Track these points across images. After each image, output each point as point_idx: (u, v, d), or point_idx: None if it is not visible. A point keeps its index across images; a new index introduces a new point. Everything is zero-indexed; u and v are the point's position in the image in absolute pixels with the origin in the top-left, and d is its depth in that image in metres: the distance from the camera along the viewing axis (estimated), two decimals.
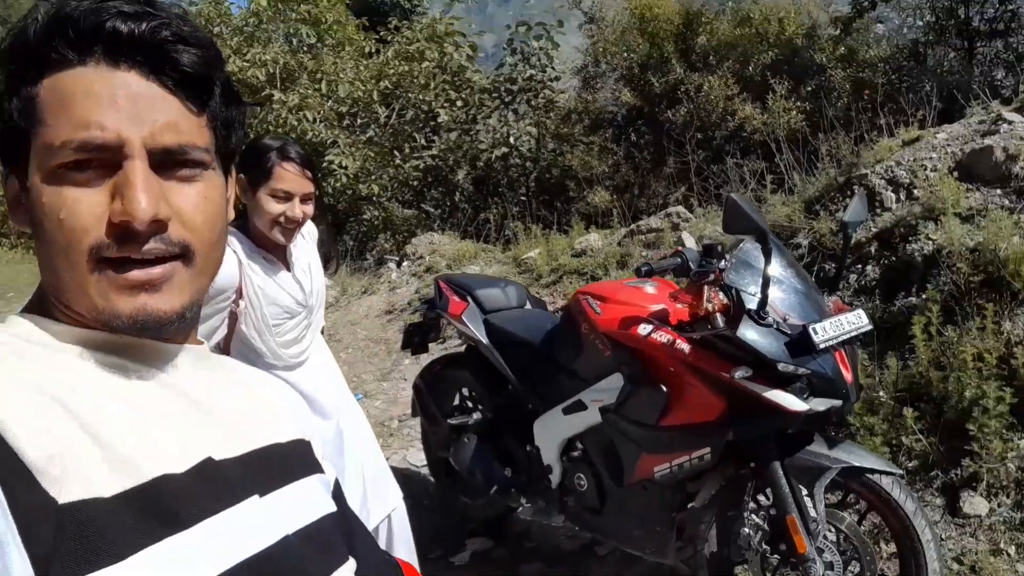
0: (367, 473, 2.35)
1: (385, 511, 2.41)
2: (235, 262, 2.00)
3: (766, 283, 2.08)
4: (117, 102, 0.62)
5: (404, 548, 2.50)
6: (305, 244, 2.27)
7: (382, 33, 9.97)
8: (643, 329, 2.32)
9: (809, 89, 6.90)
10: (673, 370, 2.27)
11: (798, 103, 6.33)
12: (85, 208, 0.60)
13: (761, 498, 2.37)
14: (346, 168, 8.49)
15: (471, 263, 5.75)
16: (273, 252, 2.09)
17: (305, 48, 9.69)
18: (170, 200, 0.63)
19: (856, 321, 2.18)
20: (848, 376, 2.15)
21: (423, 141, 8.84)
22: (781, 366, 2.06)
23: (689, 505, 2.44)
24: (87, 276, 0.61)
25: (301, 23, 9.29)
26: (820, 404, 2.13)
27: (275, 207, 1.97)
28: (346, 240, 9.01)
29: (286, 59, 8.85)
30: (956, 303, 2.89)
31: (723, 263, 2.25)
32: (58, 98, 0.61)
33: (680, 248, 2.33)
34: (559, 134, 8.19)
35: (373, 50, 10.14)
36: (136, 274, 0.62)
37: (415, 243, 6.41)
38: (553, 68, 8.40)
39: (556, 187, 7.92)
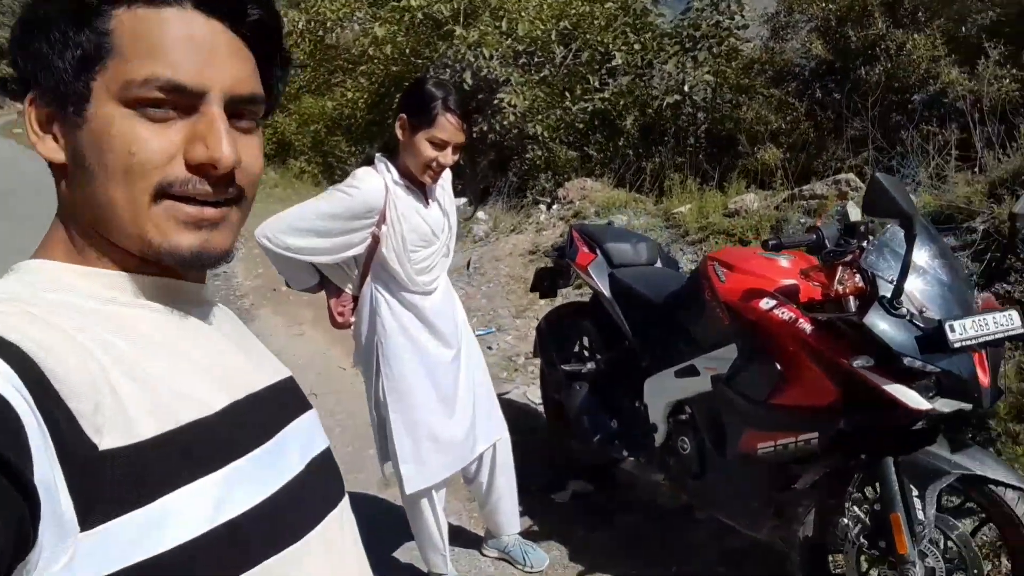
0: (478, 403, 2.50)
1: (491, 440, 2.57)
2: (383, 187, 2.17)
3: (905, 271, 1.93)
4: (202, 48, 0.63)
5: (505, 477, 2.65)
6: (444, 185, 2.40)
7: None
8: (765, 303, 2.24)
9: None
10: (791, 349, 2.18)
11: (1014, 71, 5.60)
12: (157, 145, 0.62)
13: (868, 491, 2.26)
14: (515, 107, 8.57)
15: (620, 212, 5.68)
16: (416, 185, 2.25)
17: None
18: (237, 149, 0.66)
19: (1006, 322, 1.98)
20: (984, 380, 1.97)
21: (596, 83, 8.70)
22: (907, 360, 1.92)
23: (792, 486, 2.36)
24: (145, 209, 0.63)
25: None
26: (946, 405, 1.98)
27: (431, 152, 2.13)
28: (510, 176, 9.15)
29: None
30: None
31: (864, 245, 2.11)
32: (143, 34, 0.62)
33: (819, 224, 2.19)
34: (739, 85, 7.78)
35: None
36: (198, 210, 0.64)
37: (567, 187, 6.41)
38: (743, 15, 7.94)
39: (726, 141, 7.56)
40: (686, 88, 7.60)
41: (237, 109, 0.66)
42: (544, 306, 4.42)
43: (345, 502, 0.78)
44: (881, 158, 5.27)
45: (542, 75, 9.24)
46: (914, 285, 2.00)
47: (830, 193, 4.52)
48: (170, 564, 0.56)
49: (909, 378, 1.95)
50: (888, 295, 1.94)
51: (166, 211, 0.63)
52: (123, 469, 0.55)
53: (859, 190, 4.54)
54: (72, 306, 0.61)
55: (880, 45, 6.33)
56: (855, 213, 4.20)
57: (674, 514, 3.04)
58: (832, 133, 6.84)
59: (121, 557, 0.53)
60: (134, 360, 0.60)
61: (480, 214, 8.10)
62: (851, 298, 2.07)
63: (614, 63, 8.20)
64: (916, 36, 6.05)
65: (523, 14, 9.02)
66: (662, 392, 2.73)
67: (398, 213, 2.18)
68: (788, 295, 2.25)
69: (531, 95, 8.73)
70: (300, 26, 10.00)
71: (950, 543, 2.08)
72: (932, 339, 1.91)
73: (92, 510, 0.52)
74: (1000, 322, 1.98)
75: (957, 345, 1.88)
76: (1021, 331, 2.01)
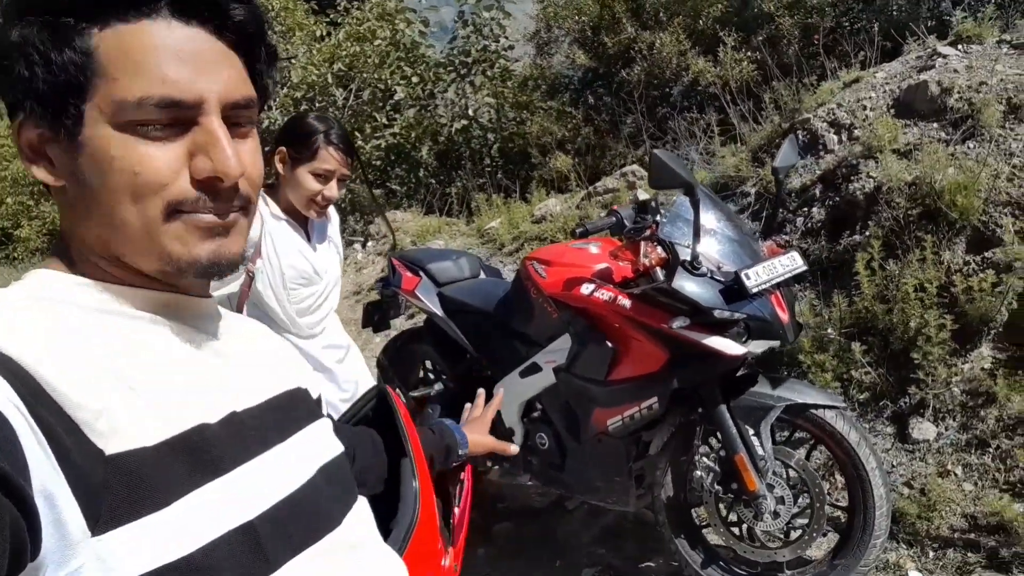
0: None
1: None
2: (258, 220, 2.06)
3: (696, 234, 2.12)
4: (189, 58, 0.62)
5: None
6: (329, 223, 2.34)
7: (332, 16, 9.84)
8: (585, 288, 2.37)
9: (761, 39, 6.91)
10: (617, 326, 2.33)
11: (748, 54, 6.34)
12: (162, 163, 0.61)
13: (713, 441, 2.45)
14: None
15: (435, 238, 5.76)
16: (296, 220, 2.17)
17: None
18: (239, 156, 0.65)
19: (790, 263, 2.24)
20: (784, 317, 2.21)
21: (384, 120, 8.78)
22: (717, 313, 2.11)
23: (646, 454, 2.50)
24: (160, 227, 0.63)
25: None
26: (759, 346, 2.20)
27: (314, 185, 2.07)
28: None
29: None
30: (897, 238, 2.95)
31: (658, 218, 2.30)
32: (125, 51, 0.60)
33: (615, 207, 2.36)
34: (518, 102, 8.17)
35: (325, 33, 10.01)
36: (214, 219, 0.64)
37: (378, 222, 6.41)
38: (506, 37, 8.34)
39: (519, 156, 7.90)
40: (470, 112, 7.86)
41: (233, 115, 0.65)
42: (383, 342, 4.38)
43: (362, 504, 0.79)
44: (656, 146, 5.74)
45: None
46: (708, 246, 2.21)
47: (621, 185, 4.85)
48: (187, 569, 0.55)
49: (722, 329, 2.15)
50: (688, 258, 2.13)
51: (184, 224, 0.63)
52: (132, 474, 0.54)
53: (644, 178, 4.92)
54: (74, 316, 0.60)
55: (633, 47, 6.91)
56: (645, 197, 4.55)
57: (547, 511, 3.11)
58: (610, 133, 7.34)
59: (136, 563, 0.53)
60: (134, 369, 0.60)
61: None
62: (658, 269, 2.23)
63: (396, 97, 8.31)
64: (662, 35, 6.66)
65: (293, 61, 8.92)
66: (511, 395, 2.78)
67: (275, 248, 2.11)
68: (604, 278, 2.39)
69: None
70: None
71: (791, 471, 2.30)
72: (733, 290, 2.11)
73: (100, 516, 0.52)
74: (786, 264, 2.23)
75: (755, 290, 2.09)
76: (804, 268, 2.28)
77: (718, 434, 2.31)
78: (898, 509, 2.45)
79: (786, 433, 2.46)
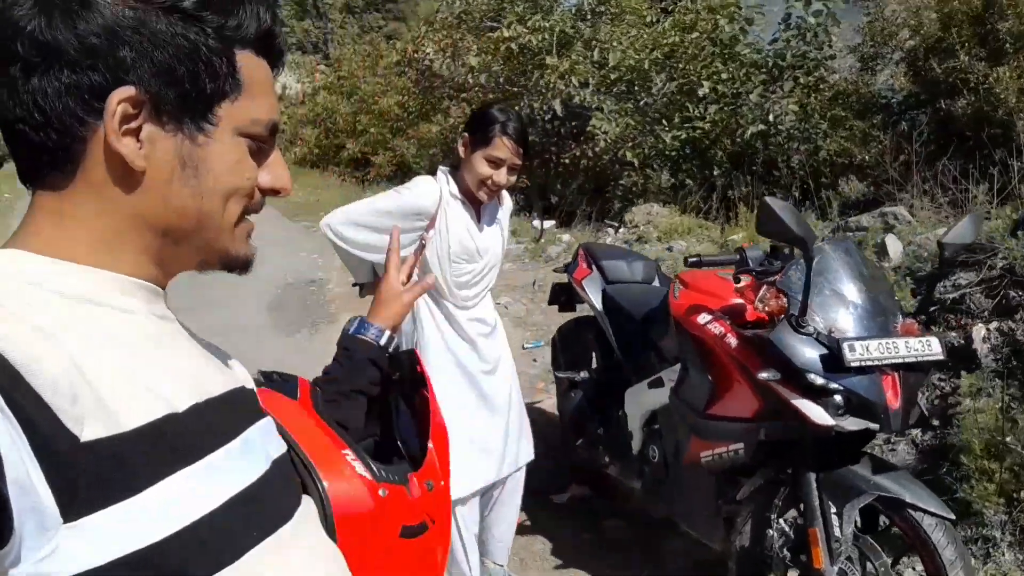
0: (511, 427, 2.54)
1: (522, 461, 2.62)
2: (437, 194, 2.30)
3: (807, 291, 2.05)
4: (275, 92, 0.75)
5: (511, 506, 2.68)
6: (500, 208, 2.54)
7: (664, 2, 10.00)
8: (702, 318, 2.39)
9: None
10: (720, 362, 2.33)
11: None
12: (255, 174, 0.72)
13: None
14: (607, 133, 8.81)
15: (682, 238, 5.80)
16: (471, 202, 2.38)
17: (588, 16, 10.06)
18: None
19: (920, 348, 2.06)
20: (894, 403, 2.04)
21: (698, 112, 8.80)
22: (810, 376, 2.04)
23: (735, 497, 2.47)
24: (233, 226, 0.72)
25: None
26: (852, 424, 2.06)
27: (486, 170, 2.27)
28: (607, 199, 9.35)
29: (563, 26, 9.30)
30: None
31: (787, 266, 2.24)
32: (254, 77, 0.70)
33: (745, 245, 2.32)
34: (824, 115, 7.66)
35: (655, 19, 10.20)
36: (252, 224, 0.76)
37: (634, 211, 6.56)
38: (830, 46, 7.82)
39: (813, 171, 7.45)
40: (770, 117, 7.57)
41: None
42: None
43: (308, 501, 0.83)
44: (927, 187, 5.11)
45: (641, 103, 9.44)
46: (827, 305, 2.11)
47: (876, 224, 4.47)
48: (160, 554, 0.57)
49: (817, 394, 2.06)
50: (795, 313, 2.07)
51: (244, 227, 0.74)
52: (106, 460, 0.56)
53: (909, 223, 4.48)
54: (52, 302, 0.61)
55: (964, 77, 6.12)
56: (894, 247, 4.18)
57: (659, 523, 3.16)
58: (922, 165, 6.63)
59: (108, 549, 0.54)
60: (110, 355, 0.61)
61: (565, 235, 8.37)
62: (775, 316, 2.20)
63: (700, 92, 8.27)
64: (999, 68, 5.82)
65: (615, 44, 9.26)
66: (638, 403, 2.90)
67: (447, 223, 2.29)
68: (735, 313, 2.39)
69: (622, 123, 8.95)
70: (407, 56, 10.71)
71: (870, 565, 2.14)
72: (833, 357, 2.01)
73: (74, 501, 0.53)
74: (914, 347, 2.05)
75: (855, 364, 1.98)
76: (938, 357, 2.08)
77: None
78: None
79: (885, 524, 2.26)
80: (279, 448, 0.80)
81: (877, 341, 2.02)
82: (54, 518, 0.52)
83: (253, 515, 0.68)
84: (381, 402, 1.22)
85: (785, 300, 2.18)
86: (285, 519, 0.73)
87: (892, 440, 3.02)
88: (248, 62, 0.69)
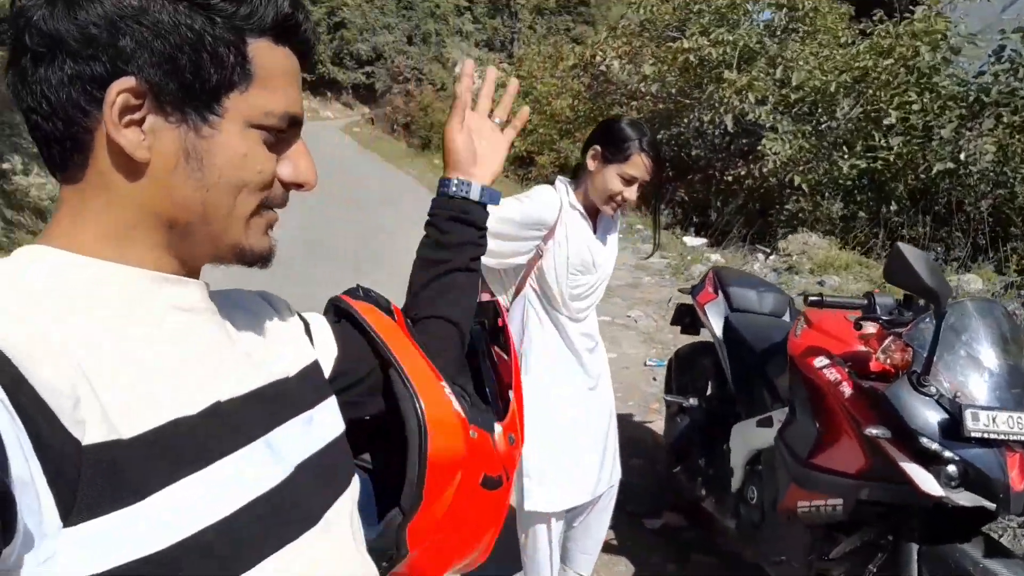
0: (608, 446, 2.52)
1: (613, 481, 2.59)
2: (557, 204, 2.26)
3: (933, 349, 1.88)
4: (296, 80, 0.71)
5: (601, 523, 2.66)
6: (614, 223, 2.51)
7: (863, 24, 9.40)
8: (819, 362, 2.26)
9: None
10: (833, 411, 2.19)
11: None
12: (272, 167, 0.69)
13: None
14: (777, 154, 8.45)
15: (837, 273, 5.44)
16: (589, 215, 2.34)
17: (777, 32, 9.67)
18: None
19: None
20: (1018, 483, 1.83)
21: (883, 142, 8.24)
22: (924, 440, 1.87)
23: (830, 554, 2.32)
24: (249, 219, 0.70)
25: (775, 7, 9.30)
26: (966, 499, 1.87)
27: (617, 185, 2.22)
28: (768, 222, 8.98)
29: (748, 41, 8.99)
30: None
31: (918, 319, 2.06)
32: (274, 68, 0.67)
33: (875, 291, 2.15)
34: None
35: (850, 40, 9.63)
36: (276, 216, 0.74)
37: (789, 239, 6.23)
38: None
39: (1003, 220, 6.75)
40: (962, 156, 6.93)
41: None
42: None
43: (349, 494, 0.79)
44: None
45: (820, 127, 8.97)
46: (954, 366, 1.93)
47: None
48: (165, 563, 0.55)
49: (929, 460, 1.89)
50: (917, 371, 1.90)
51: (262, 219, 0.71)
52: (108, 465, 0.54)
53: None
54: (61, 300, 0.60)
55: None
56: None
57: (748, 567, 3.01)
58: None
59: (110, 556, 0.53)
60: (117, 357, 0.60)
61: (715, 255, 8.12)
62: (898, 371, 2.04)
63: (886, 122, 7.72)
64: None
65: (801, 63, 8.84)
66: (744, 439, 2.78)
67: (566, 233, 2.26)
68: (857, 361, 2.24)
69: (796, 144, 8.55)
70: (584, 60, 10.79)
71: None
72: (953, 423, 1.84)
73: (75, 506, 0.52)
74: None
75: (975, 435, 1.80)
76: None
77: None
78: None
79: None
80: (315, 444, 0.76)
81: (1008, 414, 1.82)
82: (53, 521, 0.51)
83: (272, 521, 0.65)
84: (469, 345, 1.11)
85: (910, 355, 2.01)
86: (311, 523, 0.70)
87: (1020, 531, 2.69)
88: (263, 51, 0.67)
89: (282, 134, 0.70)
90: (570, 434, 2.35)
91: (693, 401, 3.22)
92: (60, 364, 0.55)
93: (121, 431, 0.56)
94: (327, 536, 0.72)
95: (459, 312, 1.06)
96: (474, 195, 1.06)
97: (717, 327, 3.08)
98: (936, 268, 1.84)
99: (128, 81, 0.61)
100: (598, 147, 2.25)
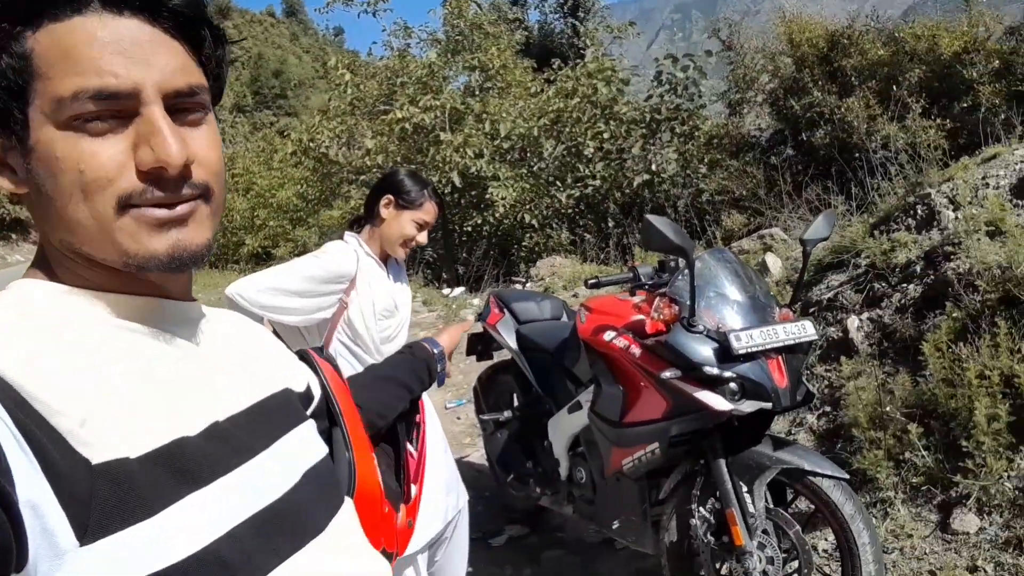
0: (443, 473, 2.58)
1: (461, 503, 2.65)
2: (355, 256, 2.36)
3: (692, 295, 2.30)
4: (125, 49, 0.61)
5: (461, 551, 2.72)
6: (400, 267, 2.63)
7: (546, 73, 10.66)
8: (608, 335, 2.61)
9: (964, 106, 6.51)
10: (629, 372, 2.54)
11: (938, 120, 6.02)
12: (105, 158, 0.60)
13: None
14: (504, 199, 9.21)
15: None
16: (380, 261, 2.46)
17: (476, 92, 10.60)
18: (187, 144, 0.64)
19: (797, 331, 2.33)
20: (781, 382, 2.29)
21: (588, 171, 9.32)
22: (707, 369, 2.26)
23: (659, 497, 2.65)
24: (113, 223, 0.61)
25: (469, 70, 10.22)
26: (748, 406, 2.29)
27: (412, 230, 2.38)
28: (512, 261, 9.67)
29: (454, 103, 9.77)
30: (974, 322, 2.81)
31: (674, 276, 2.49)
32: (61, 50, 0.60)
33: (635, 264, 2.58)
34: (702, 159, 8.32)
35: (539, 89, 10.83)
36: (165, 212, 0.63)
37: (539, 265, 6.89)
38: (700, 96, 8.55)
39: (698, 211, 8.03)
40: (653, 167, 8.15)
41: (179, 103, 0.64)
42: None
43: (348, 506, 0.80)
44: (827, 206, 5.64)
45: (535, 168, 9.93)
46: (713, 305, 2.37)
47: (756, 247, 4.88)
48: (183, 575, 0.56)
49: (713, 384, 2.29)
50: (686, 316, 2.31)
51: (135, 220, 0.62)
52: (119, 483, 0.55)
53: (784, 241, 4.90)
54: (58, 327, 0.60)
55: (817, 110, 6.82)
56: (773, 263, 4.57)
57: (595, 546, 3.30)
58: (791, 195, 7.25)
59: (124, 572, 0.53)
60: (118, 378, 0.60)
61: (475, 300, 8.59)
62: (670, 324, 2.43)
63: (584, 152, 8.82)
64: (849, 100, 6.52)
65: (504, 115, 9.78)
66: (561, 429, 3.06)
67: (368, 281, 2.36)
68: (637, 328, 2.62)
69: (518, 187, 9.38)
70: (302, 146, 10.95)
71: (785, 537, 2.35)
72: (723, 349, 2.26)
73: (88, 524, 0.52)
74: (791, 331, 2.32)
75: (742, 351, 2.22)
76: (812, 337, 2.36)
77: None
78: None
79: (795, 500, 2.49)
80: (317, 454, 0.78)
81: (759, 330, 2.28)
82: (69, 541, 0.51)
83: (280, 531, 0.66)
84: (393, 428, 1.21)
85: (677, 307, 2.43)
86: (317, 531, 0.71)
87: (792, 431, 3.29)
88: (49, 36, 0.61)
89: (115, 115, 0.61)
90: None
91: (507, 413, 3.47)
92: (66, 387, 0.55)
93: (130, 451, 0.57)
94: (334, 542, 0.73)
95: (390, 396, 1.18)
96: (437, 351, 1.27)
97: (511, 341, 3.37)
98: (679, 228, 2.26)
99: None
100: (391, 196, 2.41)
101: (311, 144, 10.71)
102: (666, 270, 2.54)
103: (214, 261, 17.62)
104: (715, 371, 2.26)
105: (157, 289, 0.68)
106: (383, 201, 2.42)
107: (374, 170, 10.35)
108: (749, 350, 2.23)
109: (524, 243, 9.85)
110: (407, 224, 2.40)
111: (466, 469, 4.44)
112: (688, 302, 2.33)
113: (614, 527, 2.83)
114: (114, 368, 0.60)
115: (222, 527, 0.61)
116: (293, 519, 0.68)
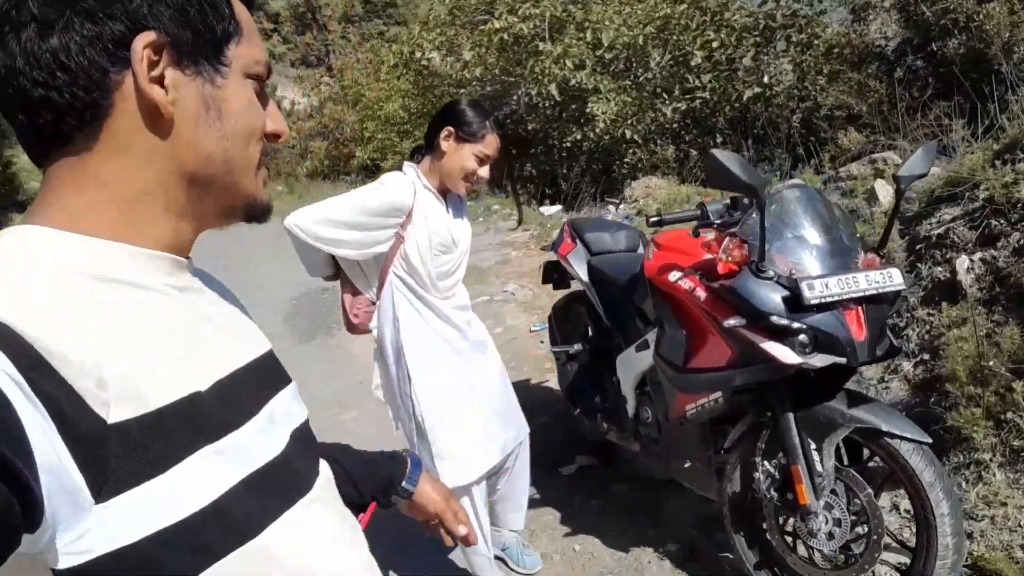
0: (509, 405, 2.63)
1: (520, 437, 2.69)
2: (412, 189, 2.29)
3: (762, 238, 2.10)
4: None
5: (522, 477, 2.78)
6: (462, 201, 2.54)
7: None
8: (673, 275, 2.45)
9: None
10: (693, 316, 2.39)
11: None
12: (264, 115, 0.73)
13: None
14: (605, 113, 8.83)
15: (682, 206, 5.82)
16: (440, 195, 2.38)
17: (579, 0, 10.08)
18: None
19: (881, 280, 2.10)
20: (859, 334, 2.08)
21: (698, 82, 8.78)
22: (774, 318, 2.08)
23: (723, 446, 2.53)
24: (255, 169, 0.72)
25: None
26: (820, 360, 2.10)
27: (473, 164, 2.29)
28: (613, 179, 9.39)
29: (553, 11, 9.33)
30: None
31: (744, 215, 2.28)
32: (246, 19, 0.72)
33: (705, 201, 2.37)
34: (820, 71, 7.62)
35: None
36: (266, 172, 0.75)
37: (634, 186, 6.60)
38: (820, 0, 7.77)
39: (812, 128, 7.42)
40: (765, 79, 7.55)
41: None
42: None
43: (324, 466, 0.82)
44: (910, 137, 5.07)
45: (638, 80, 9.44)
46: (784, 248, 2.16)
47: (867, 172, 4.47)
48: (188, 530, 0.58)
49: (783, 335, 2.10)
50: (755, 259, 2.12)
51: (263, 171, 0.74)
52: (134, 441, 0.56)
53: (897, 165, 4.46)
54: (74, 282, 0.60)
55: (952, 17, 6.06)
56: (883, 191, 4.17)
57: (662, 484, 3.23)
58: (918, 111, 6.57)
59: (140, 527, 0.55)
60: (133, 337, 0.61)
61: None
62: (741, 266, 2.25)
63: (693, 63, 8.26)
64: (989, 4, 5.74)
65: (607, 23, 9.27)
66: (628, 367, 2.96)
67: (425, 214, 2.30)
68: (706, 268, 2.44)
69: (620, 101, 8.96)
70: (403, 58, 10.84)
71: (855, 499, 2.19)
72: (794, 298, 2.06)
73: (106, 483, 0.54)
74: (875, 279, 2.09)
75: (815, 301, 2.02)
76: (900, 287, 2.12)
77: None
78: (994, 569, 2.18)
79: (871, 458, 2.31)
80: (302, 415, 0.81)
81: (837, 278, 2.06)
82: (87, 499, 0.53)
83: (274, 489, 0.68)
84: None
85: (747, 250, 2.23)
86: (304, 490, 0.73)
87: (885, 378, 3.05)
88: (238, 5, 0.71)
89: (263, 85, 0.72)
90: (466, 406, 2.42)
91: (578, 347, 3.39)
92: (80, 344, 0.56)
93: (146, 405, 0.58)
94: (319, 502, 0.75)
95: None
96: (404, 484, 1.09)
97: (582, 273, 3.25)
98: (748, 165, 2.05)
99: (149, 35, 0.62)
100: (451, 128, 2.29)
101: (412, 56, 10.58)
102: (739, 208, 2.32)
103: (327, 173, 18.05)
104: (783, 321, 2.08)
105: (186, 249, 0.72)
106: (443, 133, 2.30)
107: (473, 83, 10.15)
108: (822, 300, 2.03)
109: (626, 159, 9.49)
110: (468, 158, 2.29)
111: (545, 394, 4.45)
112: (758, 244, 2.14)
113: (678, 470, 2.75)
114: (131, 326, 0.61)
115: (230, 481, 0.63)
116: (288, 477, 0.71)
